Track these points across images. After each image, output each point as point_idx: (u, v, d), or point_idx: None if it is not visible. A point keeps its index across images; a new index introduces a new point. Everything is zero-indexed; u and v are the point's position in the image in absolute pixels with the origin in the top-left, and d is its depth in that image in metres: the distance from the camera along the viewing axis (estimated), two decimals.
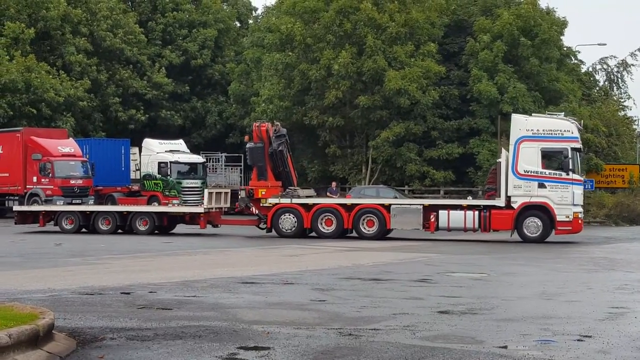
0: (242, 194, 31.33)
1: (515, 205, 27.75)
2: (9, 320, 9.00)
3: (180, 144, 48.97)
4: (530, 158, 27.58)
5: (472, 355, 9.18)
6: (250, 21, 67.04)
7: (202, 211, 31.23)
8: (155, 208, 34.26)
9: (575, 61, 54.66)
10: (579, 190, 28.02)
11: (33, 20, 52.59)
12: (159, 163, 45.97)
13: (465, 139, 47.54)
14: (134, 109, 56.85)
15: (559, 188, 27.46)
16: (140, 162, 47.47)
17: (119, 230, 31.61)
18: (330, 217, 29.44)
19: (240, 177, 56.34)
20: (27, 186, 41.63)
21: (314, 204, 29.96)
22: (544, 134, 27.76)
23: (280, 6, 53.56)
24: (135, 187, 46.66)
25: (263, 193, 30.28)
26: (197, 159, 48.52)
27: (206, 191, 32.49)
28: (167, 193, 44.23)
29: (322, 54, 46.71)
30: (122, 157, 46.80)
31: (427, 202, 30.26)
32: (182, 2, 62.49)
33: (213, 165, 54.48)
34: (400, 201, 31.19)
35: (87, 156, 43.96)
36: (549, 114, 30.32)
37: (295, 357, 8.97)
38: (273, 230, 29.99)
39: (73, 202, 39.11)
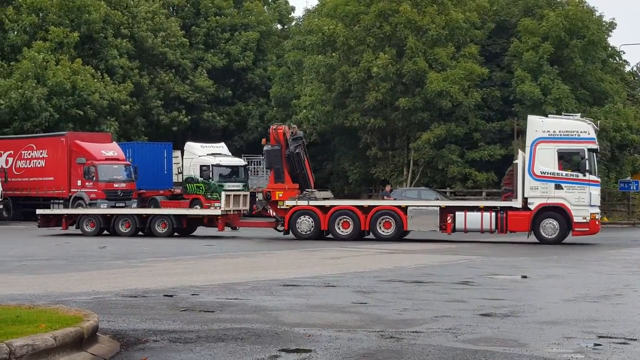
0: (260, 196, 31.40)
1: (532, 207, 27.70)
2: (54, 322, 9.11)
3: (222, 147, 49.21)
4: (546, 159, 27.51)
5: (515, 358, 9.11)
6: (293, 23, 67.15)
7: (220, 214, 31.40)
8: (173, 211, 34.43)
9: (619, 61, 54.06)
10: (595, 191, 27.83)
11: (75, 24, 53.24)
12: (201, 166, 46.24)
13: (507, 141, 47.19)
14: (176, 111, 57.30)
15: (575, 189, 27.39)
16: (182, 165, 47.80)
17: (140, 233, 31.98)
18: (347, 220, 29.52)
19: None
20: (72, 190, 42.17)
21: (331, 206, 30.01)
22: (560, 135, 27.69)
23: (321, 9, 53.66)
24: (178, 190, 47.01)
25: (280, 195, 30.35)
26: (239, 162, 48.72)
27: (223, 194, 32.64)
28: (209, 196, 44.46)
29: (362, 56, 46.69)
30: (165, 160, 47.17)
31: (444, 203, 30.30)
32: (224, 7, 62.85)
33: (254, 168, 54.73)
34: (417, 203, 31.19)
35: (130, 160, 44.37)
36: (565, 115, 30.13)
37: None
38: (290, 232, 30.12)
39: (116, 205, 39.49)
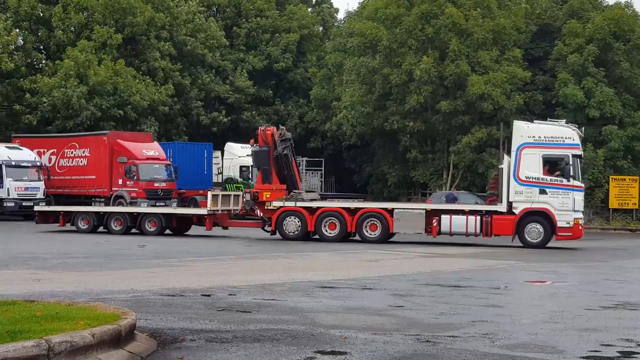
0: (247, 197, 31.53)
1: (516, 211, 28.01)
2: (92, 320, 9.20)
3: None
4: (531, 164, 27.81)
5: None
6: (335, 24, 67.22)
7: (206, 213, 31.69)
8: (162, 209, 34.94)
9: None
10: (579, 197, 28.04)
11: (120, 25, 53.78)
12: (241, 167, 46.47)
13: None
14: (216, 112, 57.63)
15: (559, 194, 27.69)
16: (222, 165, 48.03)
17: (133, 230, 32.48)
18: (333, 221, 29.79)
19: (321, 181, 56.57)
20: (113, 188, 42.57)
21: (318, 208, 30.22)
22: (545, 140, 27.99)
23: (362, 12, 53.64)
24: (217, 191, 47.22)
25: (268, 196, 30.58)
26: None
27: (209, 194, 32.98)
28: None
29: (404, 58, 46.57)
30: (205, 160, 47.44)
31: (429, 206, 30.41)
32: (266, 8, 63.08)
33: None
34: (403, 205, 31.54)
35: (171, 159, 44.68)
36: (550, 121, 30.24)
37: None
38: (277, 233, 30.33)
39: (157, 204, 39.80)
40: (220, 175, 48.04)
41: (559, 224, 27.51)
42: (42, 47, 57.09)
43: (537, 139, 27.98)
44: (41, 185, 41.73)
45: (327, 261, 22.45)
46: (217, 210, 31.84)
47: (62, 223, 33.66)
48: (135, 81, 51.05)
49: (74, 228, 33.20)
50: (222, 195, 33.03)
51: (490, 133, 45.99)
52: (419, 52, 46.68)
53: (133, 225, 32.54)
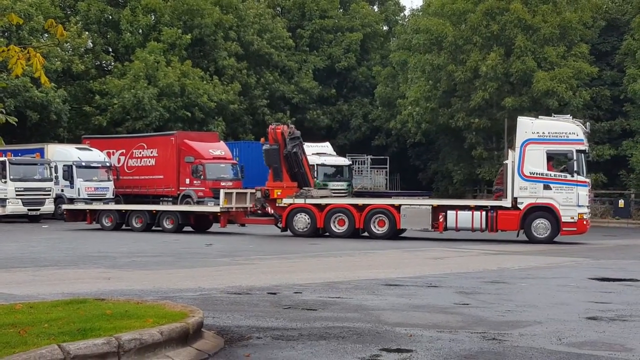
0: (258, 194, 31.80)
1: (521, 206, 28.06)
2: (160, 318, 9.36)
3: (327, 146, 49.49)
4: (536, 160, 27.80)
5: None
6: (399, 22, 67.03)
7: (219, 211, 32.22)
8: (179, 207, 35.88)
9: None
10: (583, 192, 27.83)
11: (188, 27, 54.45)
12: None
13: (617, 141, 46.07)
14: (281, 112, 57.94)
15: (564, 189, 27.68)
16: None
17: (153, 228, 33.35)
18: (342, 217, 30.13)
19: (386, 179, 56.48)
20: (180, 188, 43.10)
21: (327, 204, 30.51)
22: (549, 136, 27.94)
23: (427, 8, 53.40)
24: None
25: (279, 193, 30.99)
26: (343, 161, 48.90)
27: (222, 192, 33.40)
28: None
29: (469, 55, 46.24)
30: None
31: (436, 202, 30.43)
32: (329, 8, 63.21)
33: (359, 168, 54.79)
34: (409, 201, 31.56)
35: (237, 159, 45.04)
36: (554, 117, 30.01)
37: None
38: (288, 229, 30.70)
39: None
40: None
41: (564, 219, 27.54)
42: (110, 49, 58.11)
43: (541, 134, 27.97)
44: (110, 185, 42.47)
45: (392, 259, 22.42)
46: (232, 208, 32.32)
47: (89, 221, 34.74)
48: (202, 82, 51.64)
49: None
50: (237, 193, 33.55)
51: None
52: (484, 49, 46.28)
53: (152, 222, 33.50)
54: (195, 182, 42.62)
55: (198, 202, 40.60)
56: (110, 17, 56.50)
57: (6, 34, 46.63)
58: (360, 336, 10.15)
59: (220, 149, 44.25)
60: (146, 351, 8.45)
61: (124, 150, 45.90)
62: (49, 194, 39.68)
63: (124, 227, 34.14)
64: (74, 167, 41.57)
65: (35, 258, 21.05)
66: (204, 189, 42.17)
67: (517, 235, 28.48)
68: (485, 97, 45.99)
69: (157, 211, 33.99)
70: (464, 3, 47.63)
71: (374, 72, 60.43)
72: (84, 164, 41.94)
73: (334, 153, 49.62)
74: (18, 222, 39.49)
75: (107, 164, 43.13)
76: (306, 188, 31.48)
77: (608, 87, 47.60)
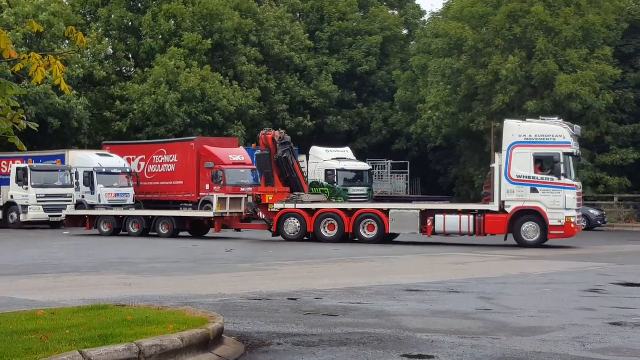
0: (250, 199, 32.08)
1: (508, 210, 27.91)
2: (181, 324, 9.35)
3: (347, 151, 49.43)
4: (523, 163, 27.66)
5: None
6: (420, 26, 66.94)
7: (212, 216, 32.45)
8: (174, 213, 35.95)
9: None
10: (571, 195, 27.58)
11: (208, 32, 54.62)
12: (326, 171, 46.60)
13: None
14: (301, 116, 57.98)
15: (550, 193, 27.49)
16: (307, 169, 48.22)
17: (150, 233, 33.66)
18: (332, 222, 30.19)
19: (407, 184, 56.34)
20: (200, 193, 43.11)
21: (317, 209, 30.57)
22: (536, 139, 27.79)
23: (447, 12, 53.28)
24: None
25: (270, 199, 31.11)
26: (364, 166, 48.82)
27: (215, 197, 33.80)
28: (334, 200, 44.70)
29: (490, 58, 46.07)
30: None
31: (424, 207, 30.26)
32: (348, 12, 63.23)
33: (379, 173, 54.67)
34: (398, 206, 31.62)
35: None
36: (542, 119, 29.76)
37: None
38: (280, 234, 30.87)
39: None
40: (306, 179, 48.23)
41: (551, 223, 27.32)
42: (131, 55, 58.38)
43: (528, 137, 27.82)
44: (131, 191, 42.57)
45: (413, 264, 22.35)
46: (225, 213, 32.50)
47: (88, 226, 35.17)
48: (222, 87, 51.78)
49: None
50: (232, 198, 33.68)
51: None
52: (506, 52, 46.09)
53: (149, 228, 33.87)
54: (215, 187, 42.60)
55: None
56: (131, 23, 56.77)
57: (28, 41, 46.92)
58: (381, 342, 10.10)
59: (240, 154, 44.29)
60: (167, 357, 8.44)
61: (144, 156, 46.02)
62: (70, 200, 39.81)
63: (121, 232, 34.50)
64: (94, 174, 41.71)
65: (57, 264, 21.13)
66: (223, 194, 42.16)
67: (505, 239, 28.37)
68: (506, 101, 45.76)
69: (153, 217, 34.41)
70: (484, 7, 47.46)
71: (393, 76, 60.32)
72: (104, 170, 42.08)
73: (354, 158, 49.55)
74: (39, 228, 39.68)
75: (128, 170, 43.26)
76: (297, 193, 31.67)
77: (632, 89, 47.25)
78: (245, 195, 33.14)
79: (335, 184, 46.08)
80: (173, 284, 16.46)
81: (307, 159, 48.49)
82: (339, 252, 25.71)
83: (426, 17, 68.12)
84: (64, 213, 37.20)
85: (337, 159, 47.42)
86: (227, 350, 9.38)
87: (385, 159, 56.92)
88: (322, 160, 47.19)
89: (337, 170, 46.45)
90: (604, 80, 44.96)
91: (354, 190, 46.34)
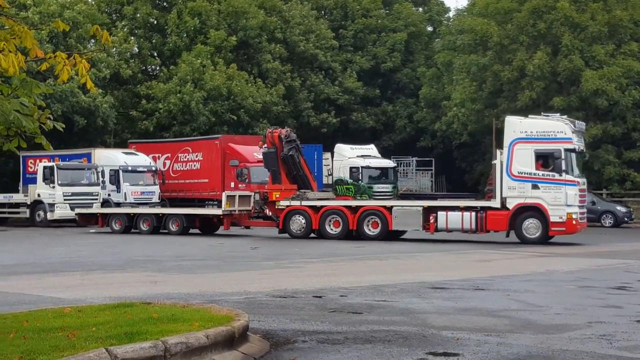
0: (257, 197, 32.08)
1: (510, 206, 27.94)
2: (206, 321, 9.38)
3: (371, 149, 49.37)
4: (524, 159, 27.62)
5: None
6: (444, 22, 66.74)
7: (221, 213, 32.78)
8: (184, 210, 36.10)
9: None
10: (572, 191, 27.48)
11: (232, 29, 54.75)
12: (351, 168, 46.57)
13: None
14: (326, 113, 57.99)
15: (551, 189, 27.44)
16: (332, 167, 48.24)
17: (161, 231, 34.02)
18: (337, 219, 30.36)
19: (432, 181, 56.17)
20: (225, 191, 43.18)
21: (322, 206, 30.75)
22: (537, 135, 27.74)
23: (472, 8, 53.08)
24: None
25: (277, 196, 31.27)
26: (388, 163, 48.73)
27: (224, 195, 33.83)
28: (358, 197, 44.67)
29: (515, 55, 45.84)
30: (315, 162, 47.64)
31: (426, 203, 30.33)
32: (372, 8, 63.15)
33: (404, 170, 54.55)
34: (401, 203, 31.98)
35: None
36: (544, 115, 29.52)
37: None
38: (286, 231, 31.09)
39: None
40: (331, 176, 48.27)
41: (552, 219, 27.28)
42: (156, 53, 58.63)
43: (529, 133, 27.78)
44: (156, 189, 42.77)
45: (438, 261, 22.29)
46: (234, 211, 32.68)
47: (100, 224, 35.62)
48: (247, 85, 51.90)
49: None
50: (240, 195, 33.83)
51: (606, 129, 44.80)
52: (531, 48, 45.85)
53: (159, 225, 34.21)
54: (240, 185, 42.70)
55: None
56: (156, 21, 57.00)
57: (54, 40, 47.26)
58: (406, 340, 10.08)
59: None
60: (192, 355, 8.47)
61: (169, 155, 46.22)
62: (96, 199, 40.10)
63: (132, 230, 34.78)
64: (120, 172, 41.96)
65: (83, 262, 21.27)
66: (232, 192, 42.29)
67: (507, 236, 28.34)
68: (532, 97, 45.55)
69: (164, 214, 34.81)
70: (509, 2, 47.25)
71: (418, 73, 60.19)
72: (130, 168, 42.32)
73: (379, 155, 49.48)
74: (66, 226, 39.96)
75: (153, 168, 43.47)
76: (302, 190, 31.80)
77: None
78: (253, 193, 33.25)
79: (360, 181, 46.03)
80: (198, 281, 16.51)
81: (332, 156, 48.50)
82: (364, 250, 25.69)
83: (450, 14, 68.02)
84: (76, 211, 37.56)
85: (362, 156, 47.36)
86: (252, 348, 9.40)
87: (410, 156, 56.80)
88: (346, 157, 47.16)
89: (362, 167, 46.40)
90: (630, 76, 44.64)
91: (378, 187, 46.27)
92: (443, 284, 16.15)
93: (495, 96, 48.38)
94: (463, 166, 59.33)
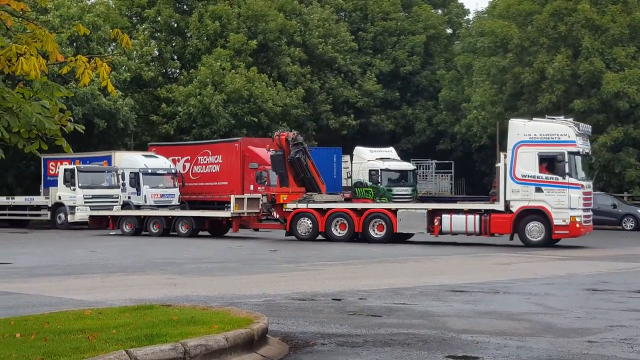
0: (264, 199, 32.16)
1: (513, 209, 27.82)
2: (226, 324, 9.40)
3: (390, 151, 49.29)
4: (527, 162, 27.54)
5: None
6: (464, 25, 66.59)
7: (230, 216, 32.91)
8: (193, 213, 36.34)
9: None
10: (575, 194, 27.33)
11: (252, 33, 54.88)
12: (370, 171, 46.51)
13: None
14: (345, 116, 57.98)
15: (555, 192, 27.34)
16: (351, 169, 48.20)
17: (171, 233, 34.23)
18: (343, 221, 30.39)
19: (451, 184, 56.03)
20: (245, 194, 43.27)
21: (328, 209, 30.75)
22: (541, 138, 27.62)
23: (492, 10, 52.94)
24: (347, 195, 47.40)
25: (284, 199, 31.43)
26: (408, 166, 48.65)
27: (232, 197, 33.85)
28: (377, 200, 44.62)
29: (536, 57, 45.67)
30: (334, 165, 47.69)
31: (431, 206, 30.43)
32: (391, 11, 63.10)
33: (423, 172, 54.43)
34: (406, 206, 32.04)
35: None
36: (548, 118, 29.41)
37: None
38: (292, 234, 31.16)
39: None
40: (350, 179, 48.23)
41: (556, 222, 27.18)
42: (176, 56, 58.85)
43: (532, 136, 27.67)
44: (176, 192, 42.91)
45: (458, 264, 22.23)
46: (243, 213, 32.78)
47: (112, 226, 35.96)
48: (267, 88, 52.00)
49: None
50: (249, 198, 33.96)
51: (627, 132, 44.52)
52: (551, 50, 45.66)
53: (169, 227, 34.40)
54: (259, 188, 42.69)
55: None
56: (177, 24, 57.22)
57: (75, 44, 47.52)
58: (425, 343, 10.06)
59: None
60: (212, 357, 8.49)
61: (189, 157, 46.35)
62: (117, 201, 40.28)
63: (142, 233, 34.96)
64: (140, 174, 42.11)
65: (104, 264, 21.37)
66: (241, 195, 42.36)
67: (511, 239, 28.19)
68: (552, 100, 45.32)
69: (173, 217, 34.96)
70: (530, 4, 47.08)
71: (437, 75, 60.06)
72: (150, 171, 42.46)
73: (398, 158, 49.40)
74: (86, 228, 40.13)
75: (173, 171, 43.61)
76: (309, 193, 31.88)
77: None
78: (261, 196, 33.32)
79: (379, 184, 45.98)
80: (218, 284, 16.55)
81: (351, 159, 48.46)
82: (383, 253, 25.66)
83: (470, 16, 67.87)
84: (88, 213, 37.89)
85: (381, 159, 47.30)
86: (271, 350, 9.42)
87: (430, 158, 56.68)
88: (366, 160, 47.12)
89: (381, 170, 46.33)
90: None
91: (397, 190, 46.19)
92: (463, 287, 16.11)
93: (516, 99, 48.19)
94: (483, 169, 59.10)
